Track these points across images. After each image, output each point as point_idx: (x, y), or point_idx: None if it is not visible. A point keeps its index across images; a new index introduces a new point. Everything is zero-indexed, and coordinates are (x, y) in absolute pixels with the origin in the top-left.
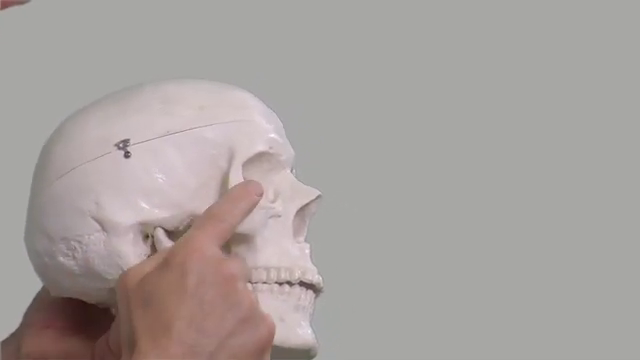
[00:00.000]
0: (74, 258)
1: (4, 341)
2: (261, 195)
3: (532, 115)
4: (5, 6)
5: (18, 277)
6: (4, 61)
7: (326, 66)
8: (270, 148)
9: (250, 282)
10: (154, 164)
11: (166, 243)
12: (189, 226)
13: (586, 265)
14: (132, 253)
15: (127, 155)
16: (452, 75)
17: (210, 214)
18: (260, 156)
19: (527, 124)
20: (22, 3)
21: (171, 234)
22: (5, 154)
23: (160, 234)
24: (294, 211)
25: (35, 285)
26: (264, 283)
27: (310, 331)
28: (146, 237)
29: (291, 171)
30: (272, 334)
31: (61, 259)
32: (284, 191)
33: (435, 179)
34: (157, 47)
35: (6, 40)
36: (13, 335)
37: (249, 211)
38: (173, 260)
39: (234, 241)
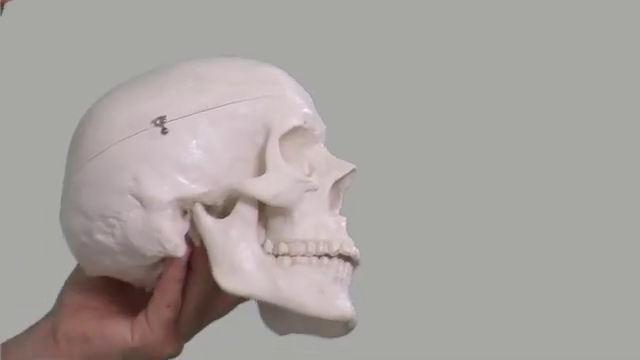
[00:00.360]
0: (113, 235)
1: (37, 323)
2: None
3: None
4: None
5: (50, 258)
6: (34, 49)
7: (347, 45)
8: (304, 123)
9: (289, 255)
10: (191, 140)
11: (204, 218)
12: (228, 200)
13: (597, 269)
14: (171, 229)
15: (164, 131)
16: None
17: None
18: (295, 131)
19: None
20: None
21: (210, 209)
22: (34, 139)
23: (199, 209)
24: (330, 184)
25: (67, 266)
26: (302, 256)
27: (349, 303)
28: (185, 213)
29: (323, 145)
30: None
31: (99, 237)
32: (319, 165)
33: (472, 152)
34: (173, 36)
35: (26, 29)
36: (48, 315)
37: None
38: None
39: (271, 214)
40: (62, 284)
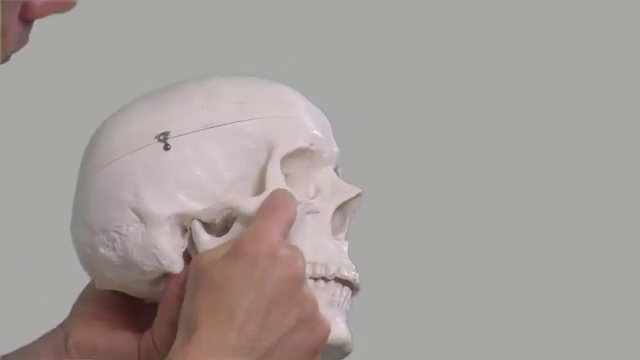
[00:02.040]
0: (114, 249)
1: (52, 331)
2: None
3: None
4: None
5: (65, 270)
6: (54, 61)
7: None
8: (311, 145)
9: None
10: (193, 157)
11: (202, 236)
12: (227, 219)
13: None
14: (169, 245)
15: (167, 147)
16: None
17: (274, 204)
18: (301, 152)
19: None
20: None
21: (208, 226)
22: (54, 152)
23: (197, 226)
24: (333, 208)
25: (81, 278)
26: None
27: (344, 327)
28: (185, 230)
29: (335, 169)
30: (326, 337)
31: (102, 250)
32: (324, 188)
33: (477, 178)
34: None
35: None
36: (61, 326)
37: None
38: (244, 250)
39: None
40: (69, 290)
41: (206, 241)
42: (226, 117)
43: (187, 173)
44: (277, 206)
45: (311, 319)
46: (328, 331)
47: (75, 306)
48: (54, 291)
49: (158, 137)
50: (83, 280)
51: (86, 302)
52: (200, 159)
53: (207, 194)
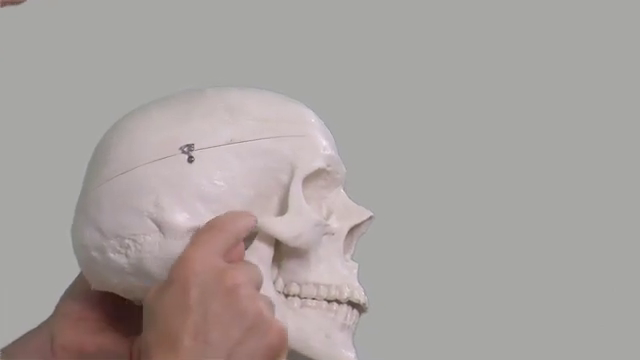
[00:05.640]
0: (126, 256)
1: (34, 330)
2: (255, 222)
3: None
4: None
5: (48, 268)
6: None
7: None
8: (328, 165)
9: (299, 297)
10: (216, 171)
11: None
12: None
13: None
14: None
15: (191, 160)
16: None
17: (208, 227)
18: (318, 173)
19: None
20: (16, 3)
21: None
22: (48, 152)
23: None
24: (346, 230)
25: (63, 276)
26: (313, 299)
27: (354, 353)
28: None
29: (343, 190)
30: (283, 338)
31: (111, 255)
32: (337, 209)
33: (479, 204)
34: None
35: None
36: (45, 324)
37: (249, 228)
38: (174, 276)
39: (286, 254)
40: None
41: None
42: (249, 134)
43: (209, 187)
44: (210, 227)
45: (259, 325)
46: (283, 332)
47: (61, 304)
48: (36, 289)
49: (182, 149)
50: (66, 279)
51: (74, 301)
52: (223, 174)
53: (228, 209)
